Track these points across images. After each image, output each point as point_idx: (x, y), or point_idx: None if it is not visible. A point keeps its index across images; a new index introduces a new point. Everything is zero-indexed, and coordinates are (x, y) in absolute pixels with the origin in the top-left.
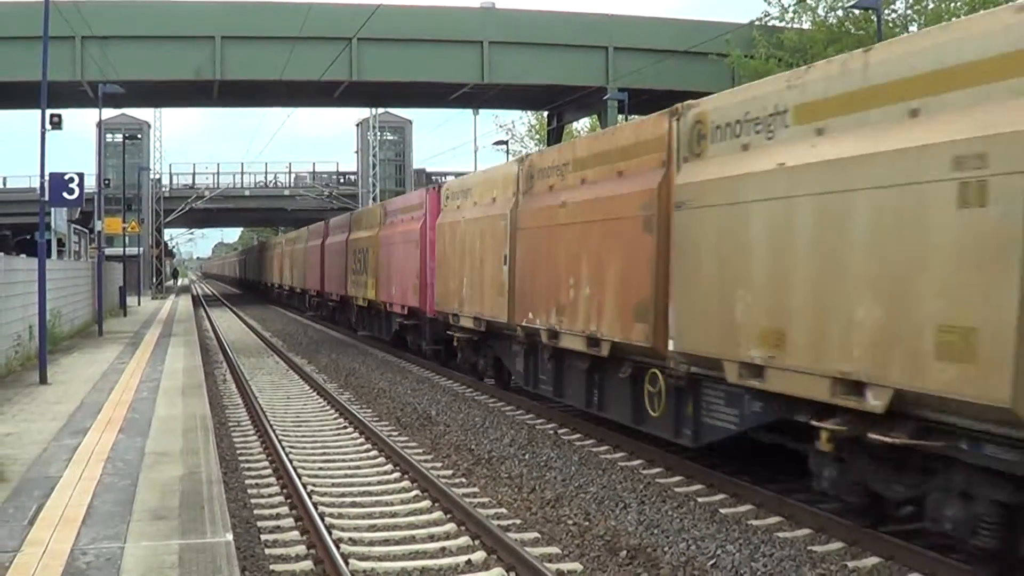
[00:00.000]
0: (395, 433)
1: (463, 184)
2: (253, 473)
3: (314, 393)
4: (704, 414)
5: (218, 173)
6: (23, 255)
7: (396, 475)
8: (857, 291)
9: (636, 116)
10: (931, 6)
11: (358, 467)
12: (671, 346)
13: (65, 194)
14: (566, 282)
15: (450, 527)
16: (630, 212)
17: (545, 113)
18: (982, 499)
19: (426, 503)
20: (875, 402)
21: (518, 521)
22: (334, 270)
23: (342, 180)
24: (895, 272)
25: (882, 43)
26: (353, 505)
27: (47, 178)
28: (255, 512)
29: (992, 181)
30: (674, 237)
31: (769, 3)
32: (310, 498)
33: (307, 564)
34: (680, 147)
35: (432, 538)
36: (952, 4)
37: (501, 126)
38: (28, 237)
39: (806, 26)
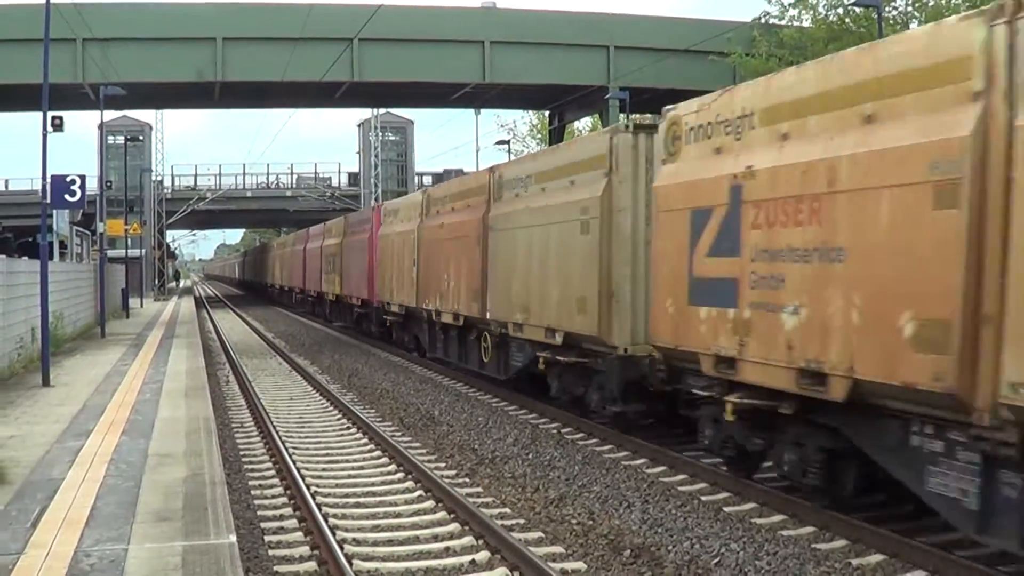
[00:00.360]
0: (398, 433)
1: (394, 205)
2: (256, 474)
3: (317, 394)
4: (511, 358)
5: (220, 174)
6: (25, 257)
7: (400, 475)
8: (551, 279)
9: (637, 115)
10: (931, 3)
11: (362, 468)
12: (488, 315)
13: (67, 196)
14: (444, 278)
15: (454, 527)
16: (469, 232)
17: (547, 112)
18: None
19: (430, 503)
20: (558, 340)
21: (522, 521)
22: (313, 271)
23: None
24: (562, 269)
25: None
26: (357, 506)
27: (49, 180)
28: (259, 513)
29: (592, 222)
30: (489, 248)
31: (770, 1)
32: (314, 499)
33: (311, 565)
34: (492, 191)
35: (436, 538)
36: (952, 1)
37: (503, 126)
38: (30, 239)
39: (806, 24)
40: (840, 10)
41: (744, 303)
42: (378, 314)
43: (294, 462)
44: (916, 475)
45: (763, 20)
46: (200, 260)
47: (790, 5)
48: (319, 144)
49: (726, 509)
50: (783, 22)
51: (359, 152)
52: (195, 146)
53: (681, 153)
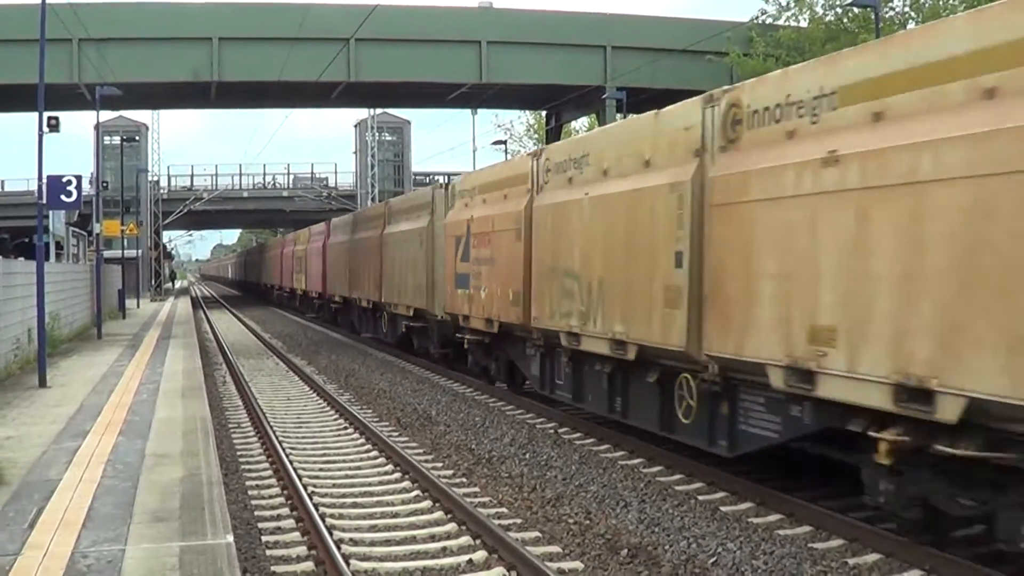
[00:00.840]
0: (395, 433)
1: (339, 220)
2: (253, 474)
3: (314, 394)
4: (397, 326)
5: (216, 175)
6: (21, 258)
7: (397, 475)
8: (407, 272)
9: (633, 115)
10: (928, 3)
11: (359, 468)
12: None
13: (63, 197)
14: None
15: (451, 527)
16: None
17: (543, 112)
18: None
19: (427, 503)
20: (411, 313)
21: (519, 520)
22: (288, 270)
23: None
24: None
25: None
26: (354, 506)
27: (45, 181)
28: (256, 513)
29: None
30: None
31: (767, 1)
32: (311, 499)
33: (308, 565)
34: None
35: (433, 538)
36: (950, 1)
37: (500, 126)
38: (26, 240)
39: (803, 24)
40: (838, 10)
41: (471, 285)
42: (323, 301)
43: (291, 462)
44: None
45: (760, 20)
46: (196, 260)
47: (787, 6)
48: (316, 144)
49: (723, 508)
50: (780, 22)
51: (356, 152)
52: (191, 146)
53: (461, 202)
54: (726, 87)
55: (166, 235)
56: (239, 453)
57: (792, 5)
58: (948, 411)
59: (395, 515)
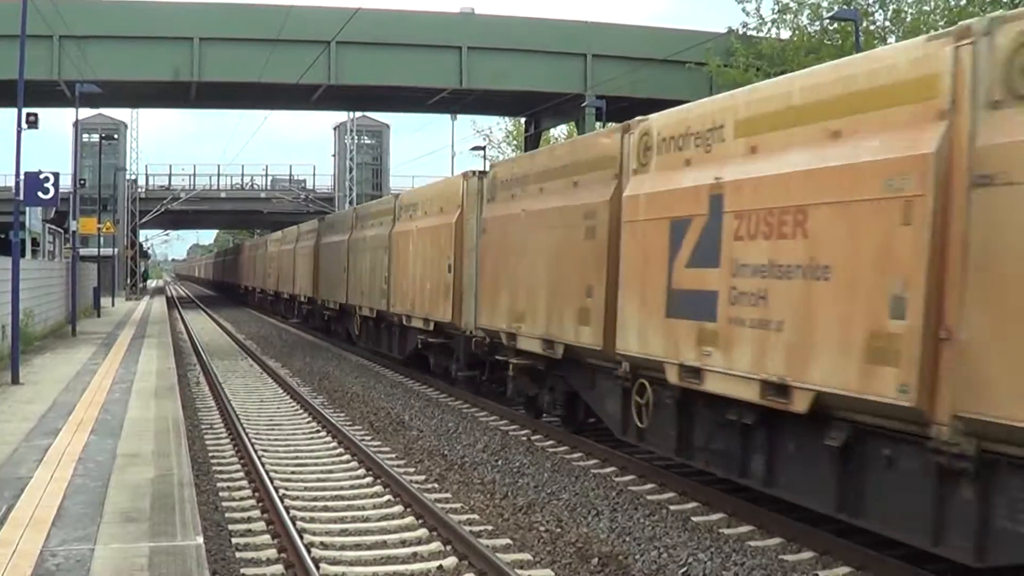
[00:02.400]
0: (368, 437)
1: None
2: (225, 476)
3: (287, 396)
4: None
5: (194, 175)
6: None
7: (368, 480)
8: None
9: (612, 123)
10: (909, 19)
11: (330, 471)
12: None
13: (40, 193)
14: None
15: (422, 532)
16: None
17: (523, 119)
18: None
19: (398, 508)
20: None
21: (490, 527)
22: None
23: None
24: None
25: None
26: (325, 509)
27: (22, 177)
28: (226, 515)
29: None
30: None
31: (748, 13)
32: (282, 502)
33: (278, 568)
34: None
35: (404, 543)
36: (931, 16)
37: (479, 131)
38: (2, 236)
39: (785, 35)
40: (823, 22)
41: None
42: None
43: (263, 464)
44: None
45: (740, 31)
46: (173, 260)
47: (771, 19)
48: (294, 146)
49: (694, 519)
50: (761, 34)
51: (334, 155)
52: (170, 146)
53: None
54: (640, 118)
55: (143, 234)
56: (211, 454)
57: (774, 17)
58: None
59: (366, 519)
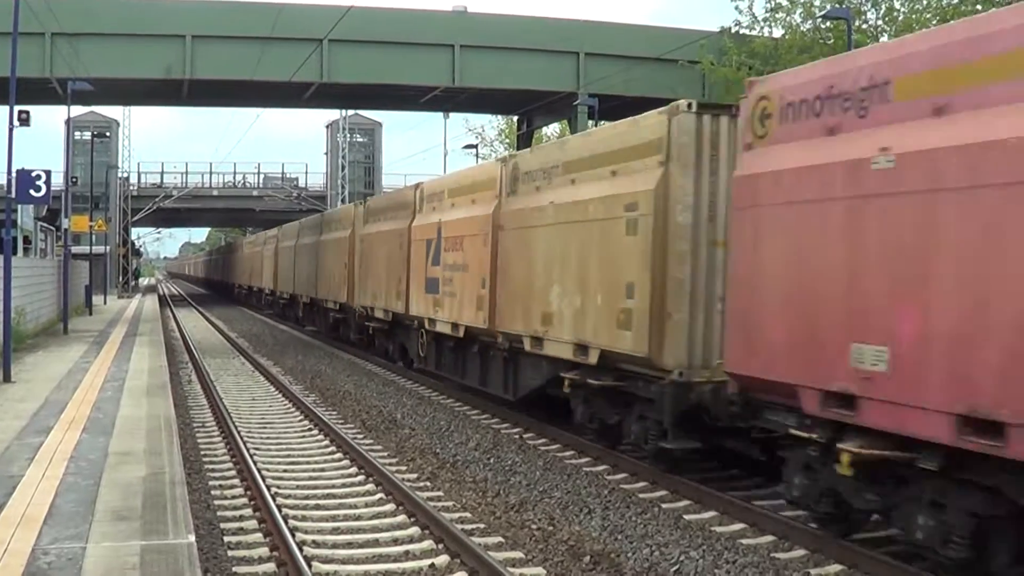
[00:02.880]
0: (360, 436)
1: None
2: (217, 474)
3: (279, 395)
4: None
5: (186, 172)
6: None
7: (361, 478)
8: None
9: (605, 122)
10: (901, 17)
11: (323, 470)
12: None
13: (32, 191)
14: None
15: (414, 531)
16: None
17: (515, 117)
18: None
19: (390, 506)
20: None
21: (482, 525)
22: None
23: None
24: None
25: None
26: (317, 508)
27: (14, 175)
28: (218, 514)
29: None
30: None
31: (740, 12)
32: (274, 500)
33: (270, 566)
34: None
35: (396, 542)
36: (924, 15)
37: (471, 130)
38: None
39: (777, 33)
40: (816, 21)
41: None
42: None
43: (255, 463)
44: None
45: (732, 30)
46: (165, 258)
47: (764, 18)
48: (287, 144)
49: (686, 517)
50: (754, 32)
51: (327, 153)
52: (162, 144)
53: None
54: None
55: (135, 232)
56: (203, 453)
57: (768, 15)
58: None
59: (358, 518)
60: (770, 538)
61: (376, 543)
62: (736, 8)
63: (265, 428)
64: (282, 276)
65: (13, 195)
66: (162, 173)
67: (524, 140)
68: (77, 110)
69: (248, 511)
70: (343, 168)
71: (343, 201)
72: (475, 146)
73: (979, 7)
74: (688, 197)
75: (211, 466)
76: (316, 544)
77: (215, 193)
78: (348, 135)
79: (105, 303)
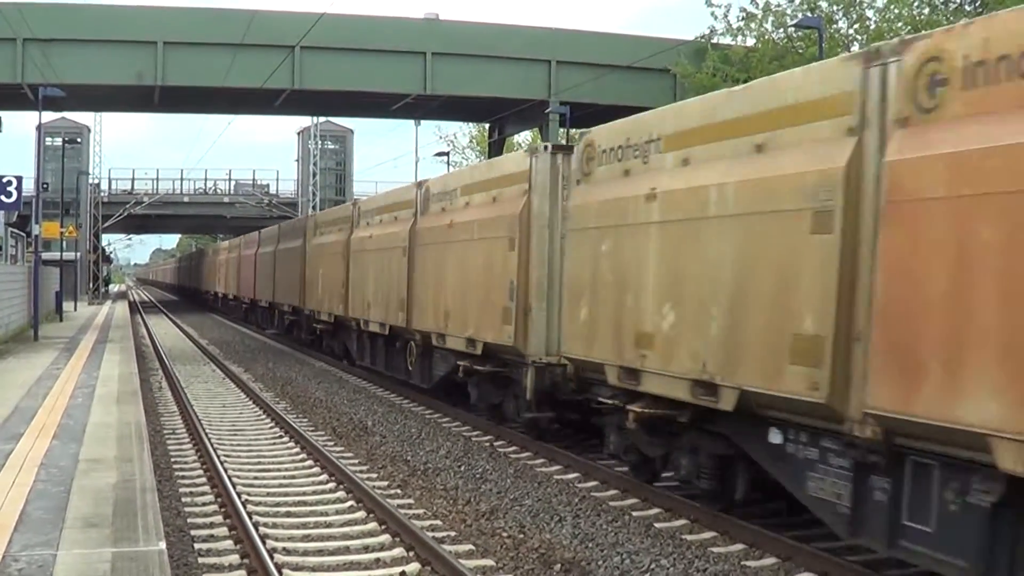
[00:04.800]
0: (331, 443)
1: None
2: (187, 481)
3: (250, 402)
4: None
5: (157, 179)
6: None
7: (331, 485)
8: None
9: (576, 130)
10: (872, 26)
11: (293, 477)
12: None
13: (2, 197)
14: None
15: (385, 538)
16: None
17: (487, 125)
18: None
19: (361, 514)
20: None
21: (453, 533)
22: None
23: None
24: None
25: None
26: (288, 515)
27: None
28: (189, 521)
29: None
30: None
31: (716, 18)
32: (244, 507)
33: (241, 573)
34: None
35: (367, 549)
36: (896, 24)
37: (442, 137)
38: None
39: (750, 43)
40: (788, 29)
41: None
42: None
43: (226, 470)
44: None
45: (704, 39)
46: (136, 264)
47: (738, 27)
48: (259, 150)
49: (657, 525)
50: (729, 40)
51: (298, 160)
52: (134, 150)
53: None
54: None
55: (105, 238)
56: (173, 460)
57: (740, 25)
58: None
59: (329, 525)
60: (740, 546)
61: (347, 551)
62: (712, 14)
63: (236, 435)
64: (244, 282)
65: None
66: (133, 179)
67: (496, 148)
68: (48, 116)
69: (219, 518)
70: (314, 175)
71: (314, 208)
72: (447, 153)
73: (950, 18)
74: (544, 217)
75: (182, 473)
76: (287, 551)
77: (186, 200)
78: (319, 142)
79: (76, 310)
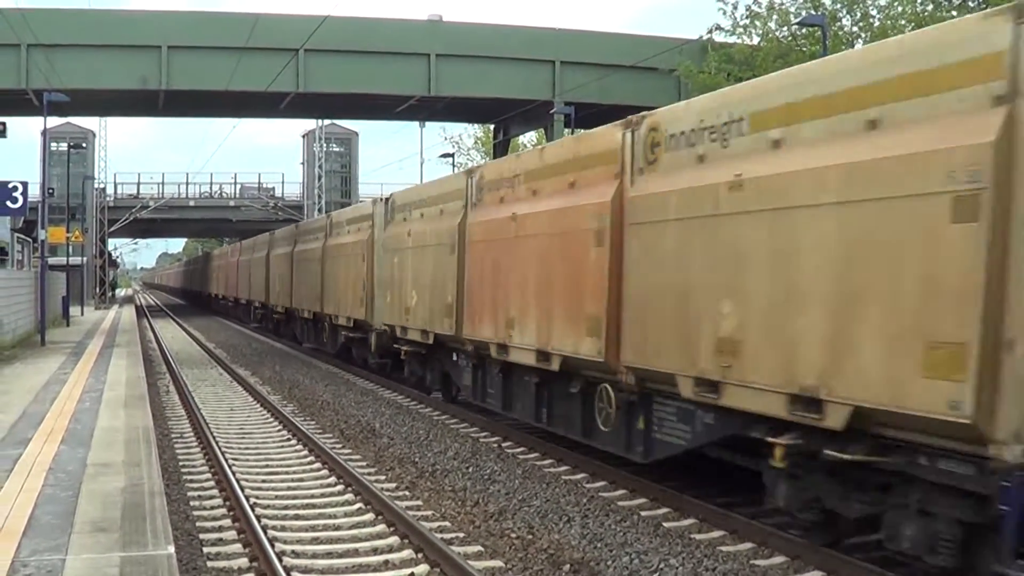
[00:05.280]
0: (339, 445)
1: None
2: (196, 485)
3: (258, 405)
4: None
5: (163, 183)
6: None
7: (339, 488)
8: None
9: (581, 130)
10: (876, 23)
11: (301, 479)
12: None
13: (8, 203)
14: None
15: (393, 540)
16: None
17: (491, 126)
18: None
19: (369, 516)
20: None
21: (461, 534)
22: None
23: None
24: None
25: None
26: (296, 518)
27: None
28: (197, 524)
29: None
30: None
31: (724, 13)
32: (253, 510)
33: None
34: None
35: (375, 551)
36: (899, 21)
37: (447, 138)
38: None
39: (754, 40)
40: (790, 28)
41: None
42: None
43: (233, 473)
44: None
45: (705, 37)
46: (142, 268)
47: (743, 25)
48: (264, 153)
49: (666, 524)
50: (733, 39)
51: (303, 162)
52: (139, 154)
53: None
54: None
55: (111, 243)
56: (181, 463)
57: (745, 23)
58: None
59: (337, 527)
60: (749, 545)
61: (356, 553)
62: (720, 10)
63: (244, 438)
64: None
65: None
66: (139, 184)
67: (501, 149)
68: (53, 121)
69: (227, 521)
70: (320, 178)
71: (319, 211)
72: (452, 155)
73: (954, 13)
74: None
75: (190, 477)
76: (296, 554)
77: (192, 203)
78: (324, 144)
79: (82, 314)
